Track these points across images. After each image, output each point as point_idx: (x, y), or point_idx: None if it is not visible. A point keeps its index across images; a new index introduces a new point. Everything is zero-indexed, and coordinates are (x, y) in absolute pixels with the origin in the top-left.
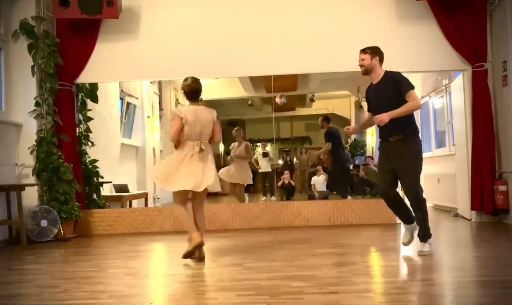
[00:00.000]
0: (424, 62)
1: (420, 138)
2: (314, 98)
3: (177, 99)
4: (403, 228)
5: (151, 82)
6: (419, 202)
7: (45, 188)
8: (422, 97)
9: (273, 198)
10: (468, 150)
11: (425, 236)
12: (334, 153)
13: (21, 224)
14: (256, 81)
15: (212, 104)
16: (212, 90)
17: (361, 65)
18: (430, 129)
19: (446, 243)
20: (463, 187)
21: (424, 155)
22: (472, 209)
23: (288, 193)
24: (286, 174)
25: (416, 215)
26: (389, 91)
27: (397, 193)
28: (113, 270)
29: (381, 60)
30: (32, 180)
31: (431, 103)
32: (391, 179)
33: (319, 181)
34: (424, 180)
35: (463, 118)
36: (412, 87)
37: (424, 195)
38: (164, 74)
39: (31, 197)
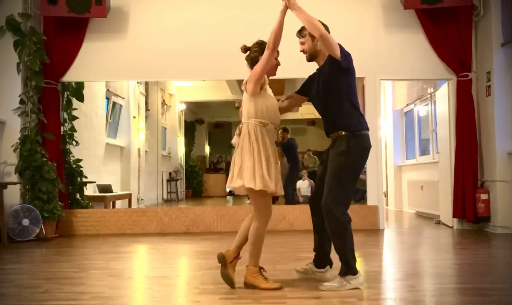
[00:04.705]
0: (410, 71)
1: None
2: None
3: (163, 100)
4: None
5: (137, 83)
6: (334, 222)
7: (27, 187)
8: (407, 104)
9: None
10: (452, 159)
11: (345, 271)
12: (291, 162)
13: (2, 222)
14: None
15: (198, 106)
16: (199, 92)
17: (302, 52)
18: (415, 136)
19: (428, 249)
20: (445, 194)
21: (408, 161)
22: (454, 216)
23: (272, 197)
24: None
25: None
26: (326, 70)
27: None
28: (95, 271)
29: None
30: (14, 178)
31: (416, 111)
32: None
33: (304, 186)
34: (407, 187)
35: (447, 126)
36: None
37: (407, 202)
38: (151, 75)
39: (13, 195)
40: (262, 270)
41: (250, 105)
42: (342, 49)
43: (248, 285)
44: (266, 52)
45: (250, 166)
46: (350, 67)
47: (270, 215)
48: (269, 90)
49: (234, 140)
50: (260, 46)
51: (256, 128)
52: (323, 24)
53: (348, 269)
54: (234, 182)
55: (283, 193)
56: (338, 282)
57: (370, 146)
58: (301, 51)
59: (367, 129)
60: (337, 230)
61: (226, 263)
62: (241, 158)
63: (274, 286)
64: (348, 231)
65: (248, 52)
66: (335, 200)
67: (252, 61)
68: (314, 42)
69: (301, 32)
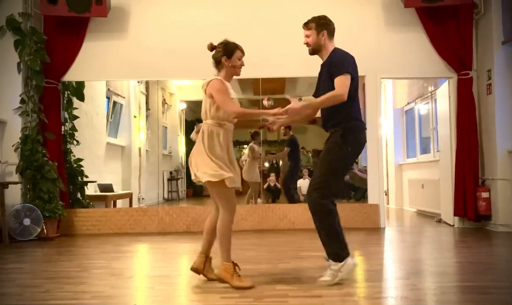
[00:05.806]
0: (411, 69)
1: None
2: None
3: (164, 99)
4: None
5: (138, 82)
6: (317, 209)
7: (28, 186)
8: (408, 103)
9: (259, 200)
10: (452, 157)
11: (333, 254)
12: (293, 159)
13: (4, 222)
14: (244, 83)
15: (199, 105)
16: (200, 91)
17: (306, 44)
18: (415, 135)
19: (429, 248)
20: (446, 193)
21: (409, 160)
22: (455, 214)
23: (273, 195)
24: (272, 176)
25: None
26: (325, 74)
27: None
28: (96, 270)
29: (330, 33)
30: (15, 177)
31: (417, 110)
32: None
33: (305, 184)
34: (408, 185)
35: (447, 125)
36: (343, 72)
37: (407, 200)
38: (152, 74)
39: (14, 195)
40: (236, 267)
41: (207, 106)
42: (352, 72)
43: (221, 280)
44: (231, 107)
45: (207, 162)
46: (354, 77)
47: (234, 208)
48: (231, 92)
49: (192, 136)
50: (224, 46)
51: (213, 128)
52: (329, 21)
53: (336, 257)
54: (196, 177)
55: (240, 189)
56: (331, 275)
57: (365, 141)
58: (304, 43)
59: (364, 124)
60: (326, 221)
61: (202, 272)
62: (198, 154)
63: (245, 285)
64: (337, 220)
65: (214, 51)
66: (323, 190)
67: (215, 61)
68: (319, 36)
69: (307, 25)
